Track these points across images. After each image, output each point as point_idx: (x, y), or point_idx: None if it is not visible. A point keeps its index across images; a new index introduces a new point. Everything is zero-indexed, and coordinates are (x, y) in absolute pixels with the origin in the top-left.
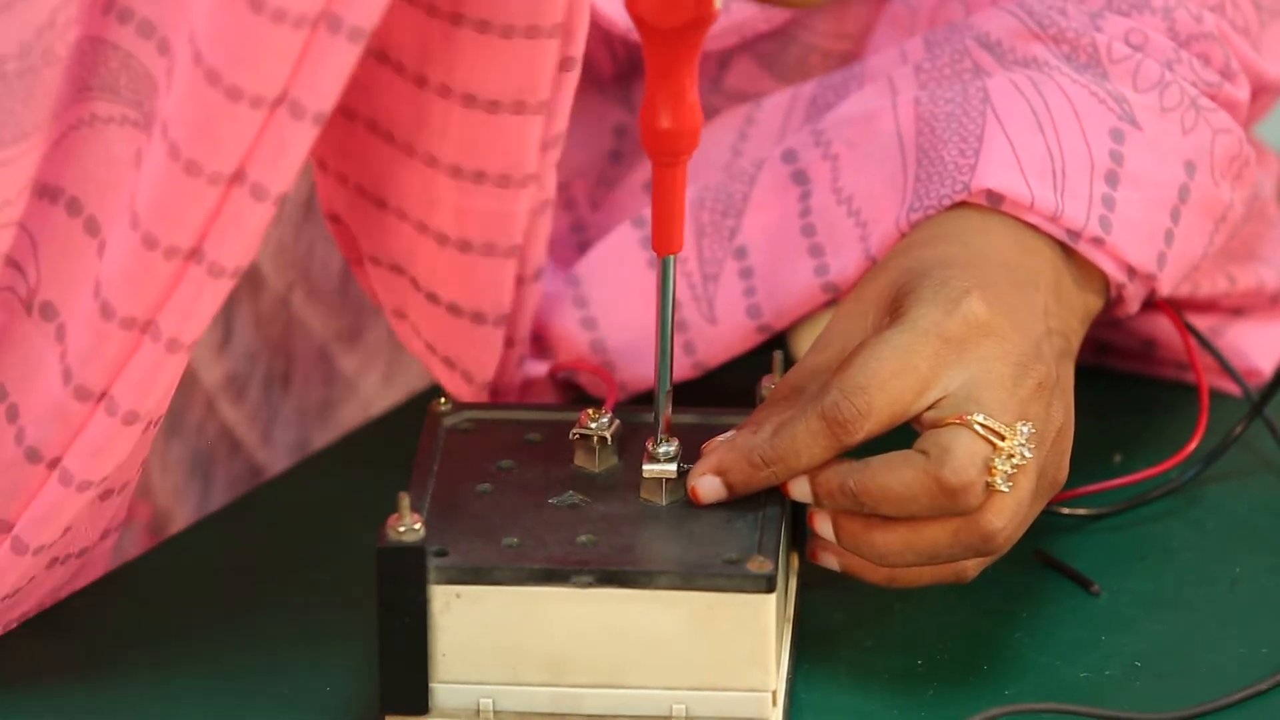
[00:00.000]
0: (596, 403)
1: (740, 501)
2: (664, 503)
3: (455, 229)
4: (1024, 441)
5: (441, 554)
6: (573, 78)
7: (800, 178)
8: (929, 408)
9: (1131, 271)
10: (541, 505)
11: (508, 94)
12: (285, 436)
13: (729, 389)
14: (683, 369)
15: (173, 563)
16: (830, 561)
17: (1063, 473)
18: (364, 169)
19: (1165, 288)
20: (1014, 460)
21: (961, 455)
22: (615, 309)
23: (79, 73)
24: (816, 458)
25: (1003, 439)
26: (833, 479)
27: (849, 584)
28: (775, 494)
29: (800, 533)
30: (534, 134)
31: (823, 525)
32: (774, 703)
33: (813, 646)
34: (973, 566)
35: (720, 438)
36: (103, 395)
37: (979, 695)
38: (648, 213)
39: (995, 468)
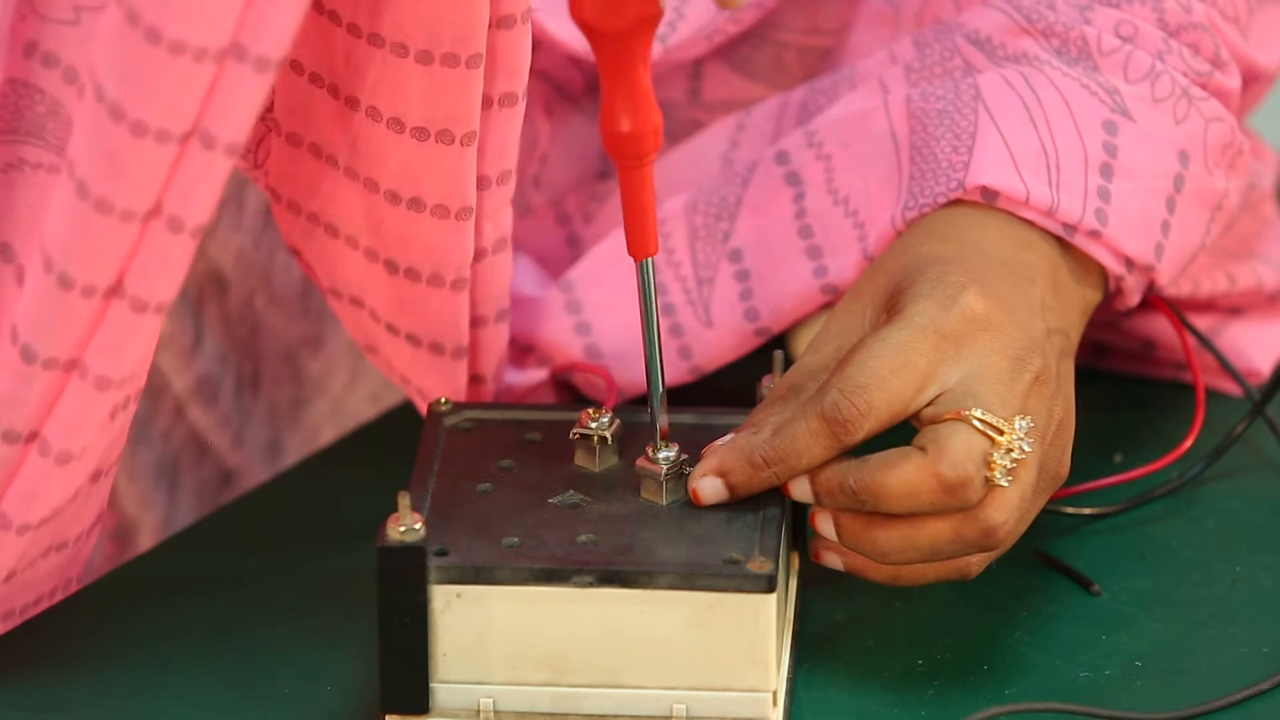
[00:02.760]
0: (596, 403)
1: (740, 502)
2: (664, 503)
3: (401, 256)
4: (1023, 436)
5: (442, 553)
6: (514, 114)
7: (793, 179)
8: (928, 404)
9: (1129, 263)
10: (542, 505)
11: (434, 122)
12: (256, 438)
13: (728, 389)
14: (679, 374)
15: (172, 564)
16: (834, 561)
17: (1064, 467)
18: (313, 196)
19: (1164, 279)
20: (1013, 455)
21: (960, 450)
22: (608, 313)
23: (3, 115)
24: (817, 458)
25: (1001, 434)
26: (833, 477)
27: (849, 583)
28: (775, 494)
29: (800, 532)
30: (466, 166)
31: (824, 524)
32: (774, 703)
33: (813, 646)
34: (976, 563)
35: (721, 440)
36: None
37: (979, 695)
38: None
39: (994, 462)
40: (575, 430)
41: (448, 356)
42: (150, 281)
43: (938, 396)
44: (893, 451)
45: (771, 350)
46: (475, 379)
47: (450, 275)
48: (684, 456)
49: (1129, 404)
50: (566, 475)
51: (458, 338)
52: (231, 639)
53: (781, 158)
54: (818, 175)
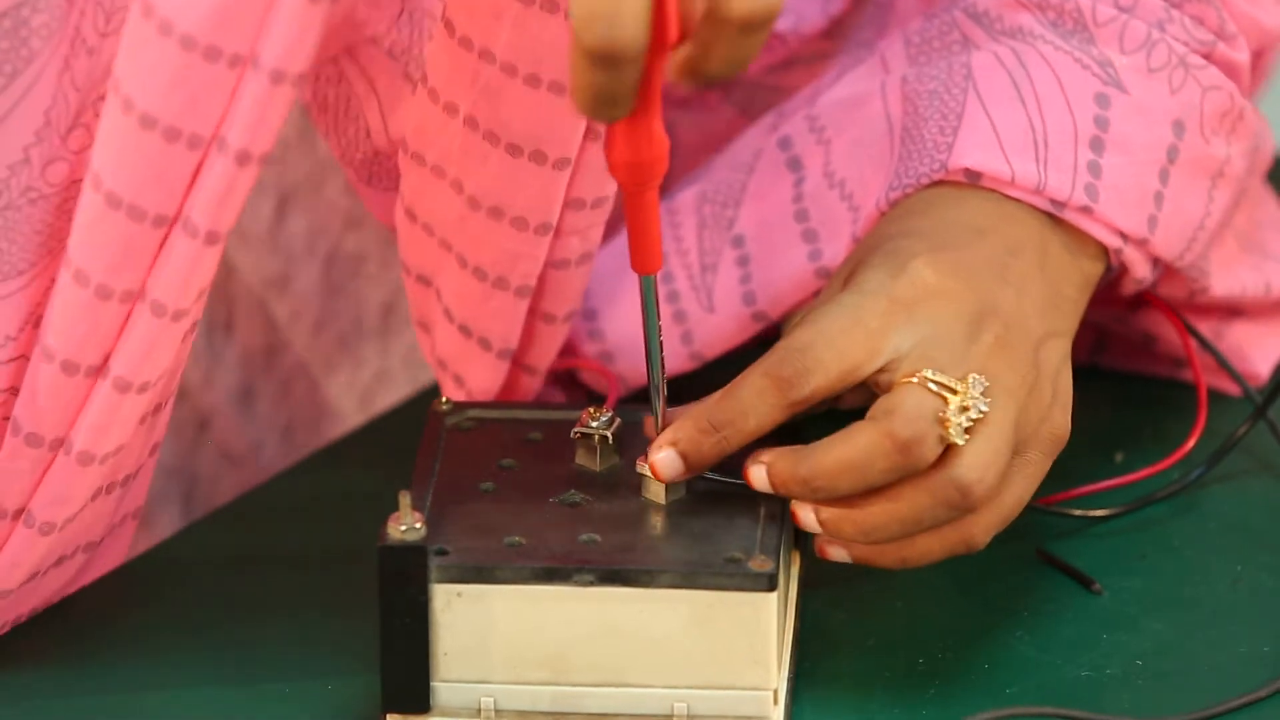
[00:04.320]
0: (598, 401)
1: (741, 500)
2: (665, 502)
3: (472, 255)
4: (978, 395)
5: (443, 553)
6: None
7: (795, 164)
8: (882, 370)
9: (1124, 237)
10: (543, 504)
11: (529, 142)
12: (227, 381)
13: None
14: (680, 360)
15: (172, 561)
16: (840, 554)
17: (1060, 428)
18: (399, 181)
19: (1165, 251)
20: (969, 413)
21: (910, 409)
22: (615, 302)
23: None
24: (765, 417)
25: (955, 393)
26: (784, 470)
27: (850, 582)
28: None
29: (802, 531)
30: (554, 188)
31: (805, 517)
32: (775, 701)
33: (814, 645)
34: (979, 531)
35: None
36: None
37: (980, 694)
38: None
39: (948, 420)
40: (576, 429)
41: (493, 354)
42: (135, 362)
43: (891, 363)
44: (839, 431)
45: (774, 343)
46: (527, 369)
47: (516, 281)
48: None
49: (1130, 403)
50: (567, 474)
51: (507, 339)
52: (231, 638)
53: (784, 143)
54: (817, 160)
